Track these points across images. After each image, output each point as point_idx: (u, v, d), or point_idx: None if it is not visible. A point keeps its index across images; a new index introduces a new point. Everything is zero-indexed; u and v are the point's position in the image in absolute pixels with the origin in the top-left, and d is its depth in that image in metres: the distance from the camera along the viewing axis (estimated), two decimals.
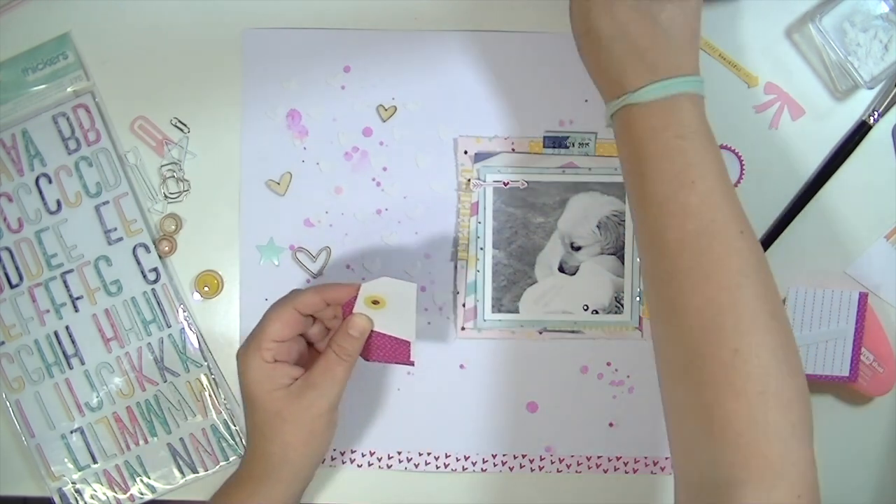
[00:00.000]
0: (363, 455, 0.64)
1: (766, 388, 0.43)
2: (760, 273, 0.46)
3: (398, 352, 0.54)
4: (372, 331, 0.54)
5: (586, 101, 0.62)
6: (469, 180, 0.62)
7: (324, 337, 0.57)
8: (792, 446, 0.44)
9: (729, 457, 0.44)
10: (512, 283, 0.63)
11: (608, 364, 0.63)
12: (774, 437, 0.43)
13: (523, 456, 0.63)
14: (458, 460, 0.64)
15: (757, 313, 0.45)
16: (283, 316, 0.52)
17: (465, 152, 0.63)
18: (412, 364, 0.54)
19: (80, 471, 0.63)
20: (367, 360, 0.54)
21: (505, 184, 0.62)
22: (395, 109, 0.63)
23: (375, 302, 0.53)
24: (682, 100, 0.48)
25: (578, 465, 0.64)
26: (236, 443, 0.63)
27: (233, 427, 0.63)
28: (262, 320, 0.53)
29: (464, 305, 0.63)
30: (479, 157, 0.63)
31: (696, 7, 0.50)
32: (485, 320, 0.63)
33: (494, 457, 0.63)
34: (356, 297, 0.53)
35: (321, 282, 0.63)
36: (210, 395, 0.63)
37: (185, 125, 0.63)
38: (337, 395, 0.53)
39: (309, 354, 0.56)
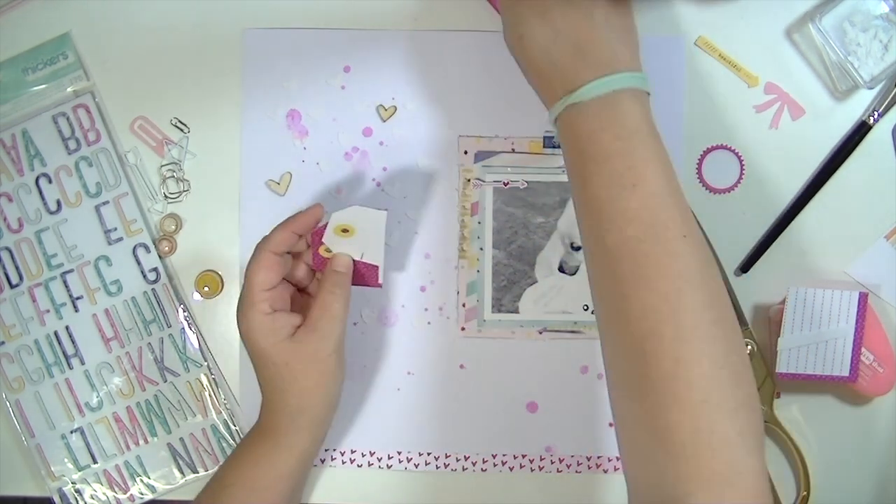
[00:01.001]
0: (363, 455, 0.64)
1: (708, 398, 0.42)
2: (704, 277, 0.45)
3: (367, 276, 0.56)
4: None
5: None
6: (469, 180, 0.62)
7: (311, 278, 0.57)
8: (739, 455, 0.42)
9: (675, 468, 0.42)
10: (512, 283, 0.63)
11: None
12: (720, 447, 0.42)
13: (523, 456, 0.63)
14: (458, 460, 0.64)
15: (699, 321, 0.43)
16: (263, 262, 0.53)
17: (465, 152, 0.63)
18: (380, 286, 0.56)
19: (80, 471, 0.63)
20: None
21: (505, 184, 0.62)
22: (395, 109, 0.63)
23: (345, 230, 0.55)
24: (624, 97, 0.47)
25: (578, 465, 0.64)
26: (236, 443, 0.63)
27: (233, 427, 0.63)
28: (247, 275, 0.53)
29: (464, 305, 0.63)
30: (479, 157, 0.63)
31: (628, 2, 0.50)
32: (485, 320, 0.63)
33: (494, 457, 0.63)
34: (325, 226, 0.55)
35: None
36: (210, 395, 0.63)
37: (185, 125, 0.63)
38: (340, 334, 0.53)
39: (303, 301, 0.57)
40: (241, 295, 0.53)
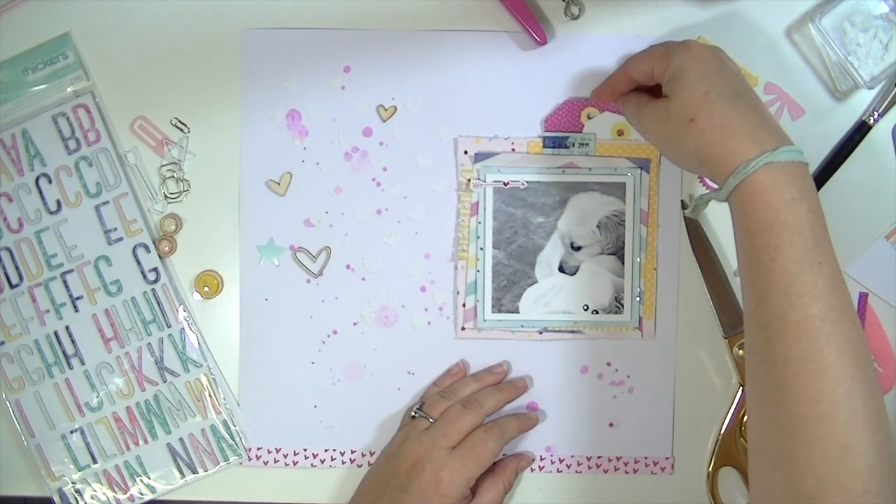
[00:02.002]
0: (363, 455, 0.64)
1: (868, 488, 0.43)
2: (869, 367, 0.45)
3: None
4: None
5: (585, 99, 0.62)
6: (469, 180, 0.62)
7: None
8: None
9: None
10: (512, 283, 0.63)
11: (608, 364, 0.63)
12: None
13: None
14: None
15: (868, 409, 0.44)
16: (498, 453, 0.58)
17: (465, 152, 0.63)
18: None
19: (80, 471, 0.63)
20: None
21: (505, 184, 0.62)
22: (395, 109, 0.63)
23: None
24: (806, 169, 0.47)
25: (578, 465, 0.64)
26: (236, 443, 0.63)
27: (232, 427, 0.63)
28: (482, 452, 0.57)
29: (464, 305, 0.63)
30: (479, 157, 0.63)
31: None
32: (485, 320, 0.63)
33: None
34: None
35: (323, 284, 0.63)
36: (210, 396, 0.63)
37: (185, 125, 0.63)
38: None
39: None
40: (456, 451, 0.57)
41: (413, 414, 0.60)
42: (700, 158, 0.50)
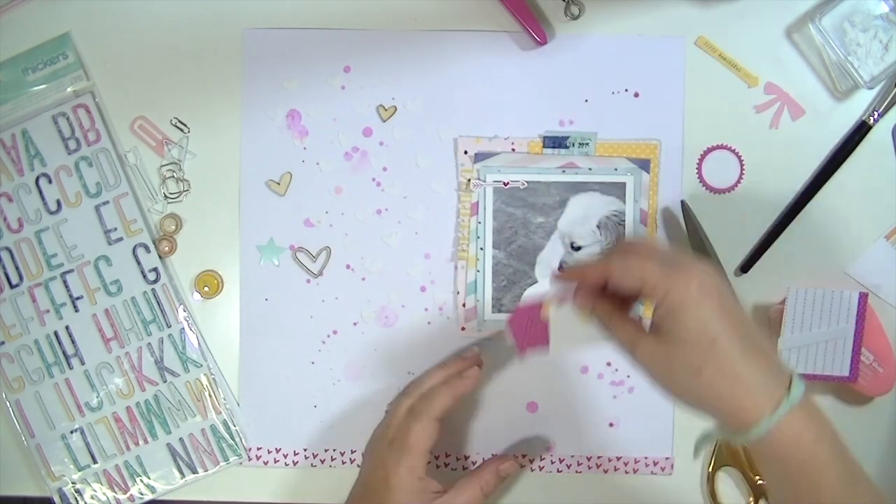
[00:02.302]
0: (363, 455, 0.63)
1: None
2: None
3: (541, 337, 0.56)
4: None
5: (586, 100, 0.62)
6: (469, 180, 0.62)
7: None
8: None
9: None
10: (512, 283, 0.63)
11: (608, 364, 0.63)
12: None
13: (523, 456, 0.63)
14: (458, 459, 0.64)
15: None
16: (430, 430, 0.55)
17: (465, 152, 0.63)
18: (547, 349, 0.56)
19: (80, 471, 0.63)
20: (522, 349, 0.56)
21: (505, 184, 0.62)
22: (395, 109, 0.63)
23: None
24: (816, 402, 0.46)
25: (578, 465, 0.64)
26: (236, 443, 0.63)
27: (232, 427, 0.63)
28: (409, 435, 0.55)
29: (464, 305, 0.63)
30: (479, 157, 0.63)
31: None
32: (485, 320, 0.63)
33: (495, 457, 0.63)
34: (527, 309, 0.54)
35: (323, 284, 0.63)
36: (210, 396, 0.63)
37: (185, 125, 0.63)
38: None
39: None
40: (397, 444, 0.55)
41: (386, 409, 0.61)
42: (707, 409, 0.47)
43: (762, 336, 0.47)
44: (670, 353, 0.47)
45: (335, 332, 0.63)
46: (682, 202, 0.63)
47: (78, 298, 0.63)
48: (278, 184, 0.63)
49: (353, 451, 0.64)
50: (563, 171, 0.62)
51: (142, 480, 0.63)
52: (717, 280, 0.46)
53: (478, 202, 0.63)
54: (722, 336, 0.45)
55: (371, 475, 0.56)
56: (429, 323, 0.63)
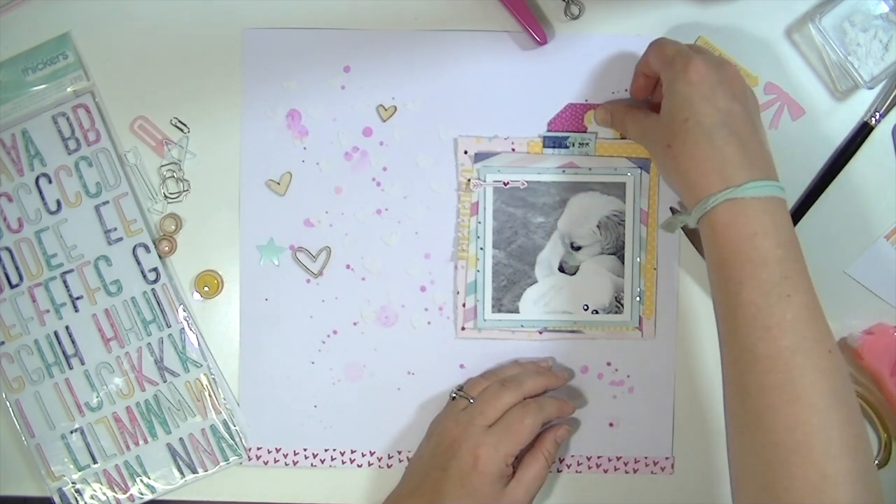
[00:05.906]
0: (363, 455, 0.64)
1: None
2: (848, 395, 0.45)
3: None
4: None
5: (586, 100, 0.62)
6: (469, 180, 0.62)
7: None
8: None
9: None
10: (512, 283, 0.63)
11: (608, 364, 0.63)
12: None
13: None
14: None
15: (846, 437, 0.44)
16: (537, 429, 0.57)
17: (465, 152, 0.63)
18: None
19: (80, 471, 0.63)
20: None
21: (505, 184, 0.62)
22: (395, 109, 0.63)
23: None
24: (780, 205, 0.47)
25: (578, 465, 0.64)
26: (236, 443, 0.63)
27: (232, 427, 0.63)
28: (520, 426, 0.56)
29: (464, 305, 0.63)
30: (479, 157, 0.63)
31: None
32: (485, 320, 0.63)
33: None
34: None
35: (323, 284, 0.63)
36: (210, 396, 0.63)
37: (185, 125, 0.63)
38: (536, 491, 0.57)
39: None
40: (492, 428, 0.56)
41: (453, 395, 0.60)
42: (672, 183, 0.53)
43: (757, 136, 0.50)
44: (653, 126, 0.53)
45: (335, 332, 0.63)
46: (672, 209, 0.62)
47: (78, 298, 0.63)
48: (278, 184, 0.63)
49: (352, 451, 0.64)
50: (563, 171, 0.62)
51: (142, 480, 0.63)
52: (716, 73, 0.51)
53: (478, 202, 0.63)
54: (694, 117, 0.49)
55: (452, 458, 0.55)
56: (429, 323, 0.63)
